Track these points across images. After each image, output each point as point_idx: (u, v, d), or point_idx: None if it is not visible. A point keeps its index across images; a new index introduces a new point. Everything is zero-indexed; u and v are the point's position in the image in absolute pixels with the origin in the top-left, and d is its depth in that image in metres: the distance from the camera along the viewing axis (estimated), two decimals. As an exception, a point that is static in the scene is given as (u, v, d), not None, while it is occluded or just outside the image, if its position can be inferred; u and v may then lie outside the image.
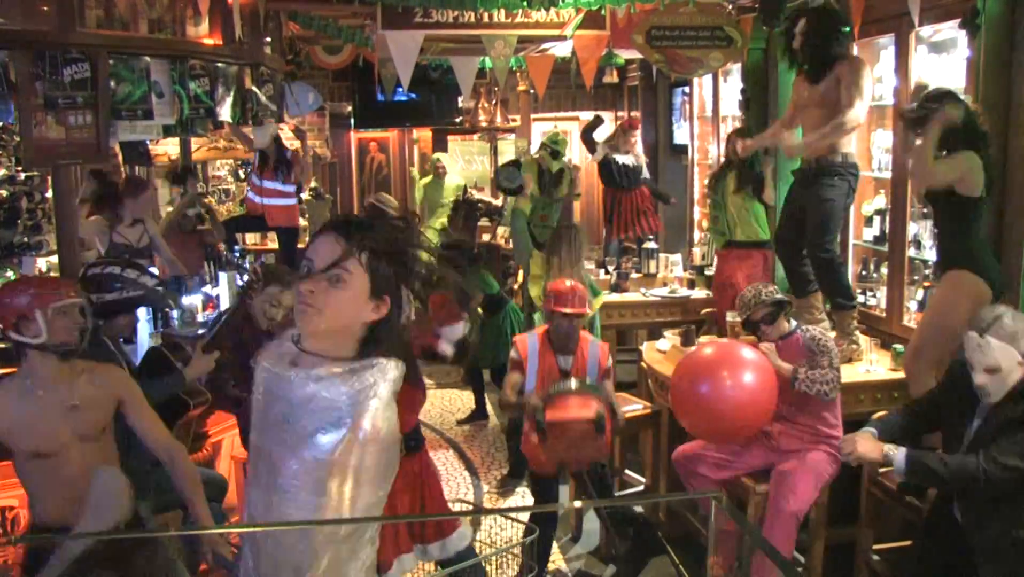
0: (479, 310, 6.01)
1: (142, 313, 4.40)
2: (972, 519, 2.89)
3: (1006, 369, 2.77)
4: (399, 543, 3.01)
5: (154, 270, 4.56)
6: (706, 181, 6.25)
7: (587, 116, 9.79)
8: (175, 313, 5.09)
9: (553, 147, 6.88)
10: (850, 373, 4.02)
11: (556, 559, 4.26)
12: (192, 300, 5.42)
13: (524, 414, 3.69)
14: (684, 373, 3.67)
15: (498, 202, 7.99)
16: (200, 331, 4.68)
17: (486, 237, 7.99)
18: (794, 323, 3.75)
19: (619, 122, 8.24)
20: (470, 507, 4.77)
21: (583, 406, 3.41)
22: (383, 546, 2.90)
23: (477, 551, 3.32)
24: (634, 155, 7.14)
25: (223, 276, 5.88)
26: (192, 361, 3.50)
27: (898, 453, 2.93)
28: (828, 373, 3.56)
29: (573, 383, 3.55)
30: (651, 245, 6.65)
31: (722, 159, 5.88)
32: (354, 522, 1.69)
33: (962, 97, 3.62)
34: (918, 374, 3.70)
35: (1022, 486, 2.75)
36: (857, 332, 4.44)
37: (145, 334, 4.53)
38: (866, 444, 3.01)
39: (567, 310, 3.73)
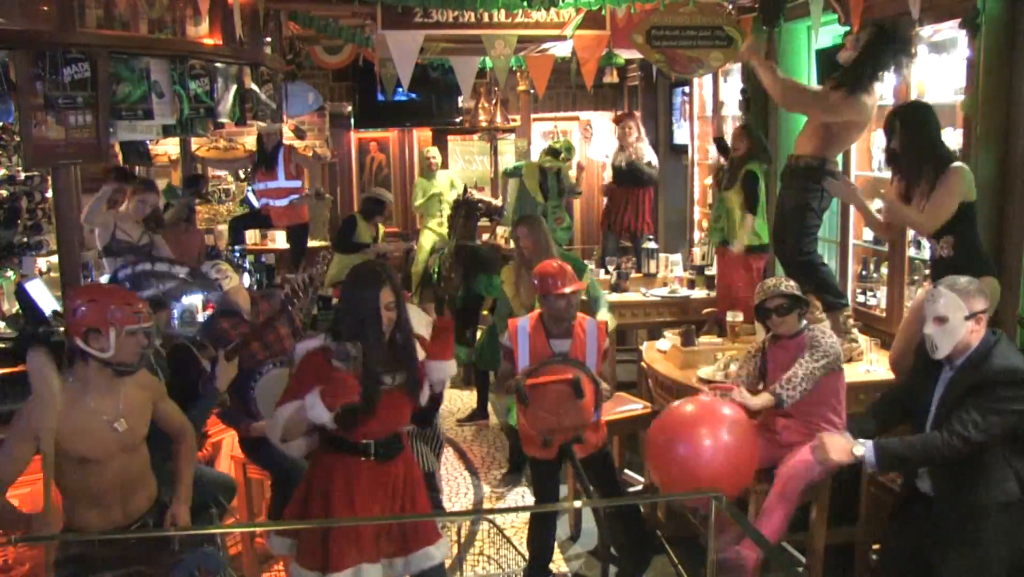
0: (487, 313, 6.02)
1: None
2: (940, 488, 2.97)
3: (953, 322, 2.87)
4: (363, 548, 2.83)
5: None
6: (707, 181, 6.25)
7: (587, 116, 9.83)
8: (175, 313, 5.07)
9: (566, 153, 6.90)
10: (850, 373, 4.00)
11: (556, 559, 4.26)
12: (192, 300, 5.40)
13: (514, 392, 3.69)
14: (661, 431, 3.60)
15: (498, 202, 7.97)
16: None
17: (485, 237, 7.97)
18: (804, 323, 3.75)
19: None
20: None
21: (562, 371, 3.56)
22: (338, 547, 2.80)
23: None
24: (631, 152, 7.13)
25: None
26: (219, 370, 3.52)
27: (866, 449, 2.96)
28: (800, 368, 3.54)
29: (555, 358, 3.67)
30: (651, 245, 6.64)
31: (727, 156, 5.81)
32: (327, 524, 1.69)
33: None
34: (904, 374, 3.71)
35: (980, 454, 2.84)
36: (857, 332, 4.43)
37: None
38: (836, 448, 3.04)
39: (565, 290, 3.67)
